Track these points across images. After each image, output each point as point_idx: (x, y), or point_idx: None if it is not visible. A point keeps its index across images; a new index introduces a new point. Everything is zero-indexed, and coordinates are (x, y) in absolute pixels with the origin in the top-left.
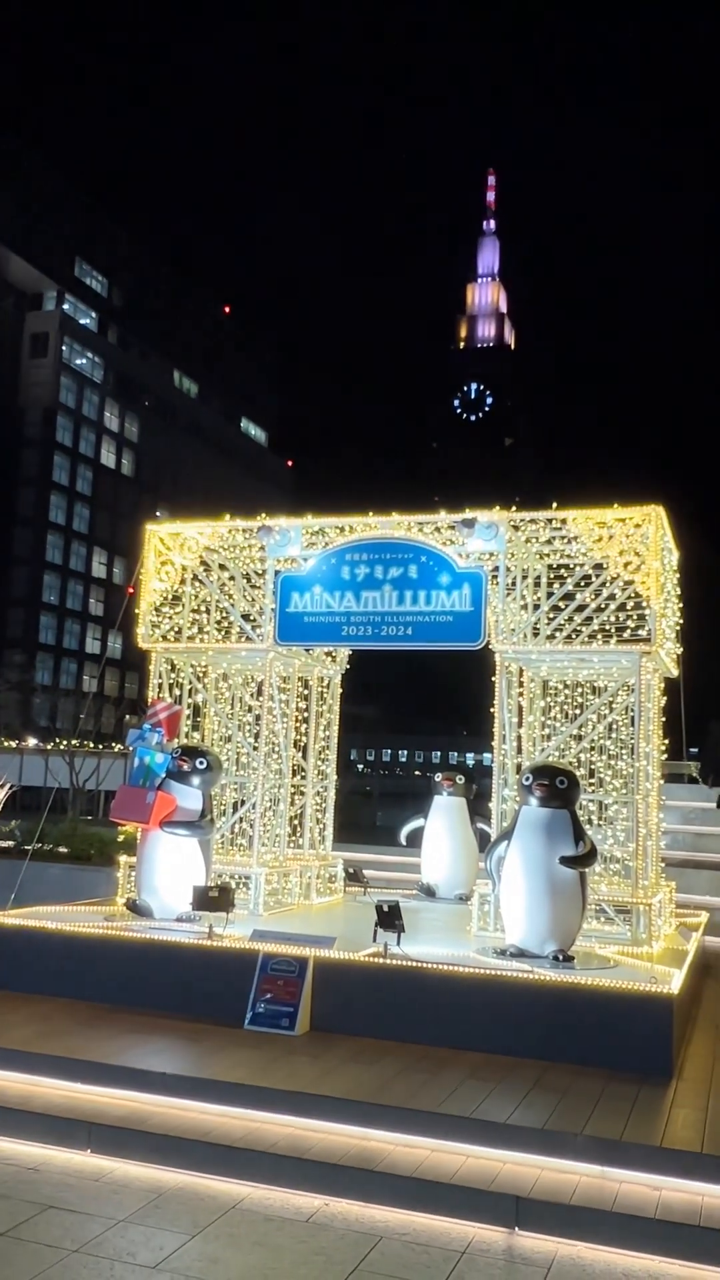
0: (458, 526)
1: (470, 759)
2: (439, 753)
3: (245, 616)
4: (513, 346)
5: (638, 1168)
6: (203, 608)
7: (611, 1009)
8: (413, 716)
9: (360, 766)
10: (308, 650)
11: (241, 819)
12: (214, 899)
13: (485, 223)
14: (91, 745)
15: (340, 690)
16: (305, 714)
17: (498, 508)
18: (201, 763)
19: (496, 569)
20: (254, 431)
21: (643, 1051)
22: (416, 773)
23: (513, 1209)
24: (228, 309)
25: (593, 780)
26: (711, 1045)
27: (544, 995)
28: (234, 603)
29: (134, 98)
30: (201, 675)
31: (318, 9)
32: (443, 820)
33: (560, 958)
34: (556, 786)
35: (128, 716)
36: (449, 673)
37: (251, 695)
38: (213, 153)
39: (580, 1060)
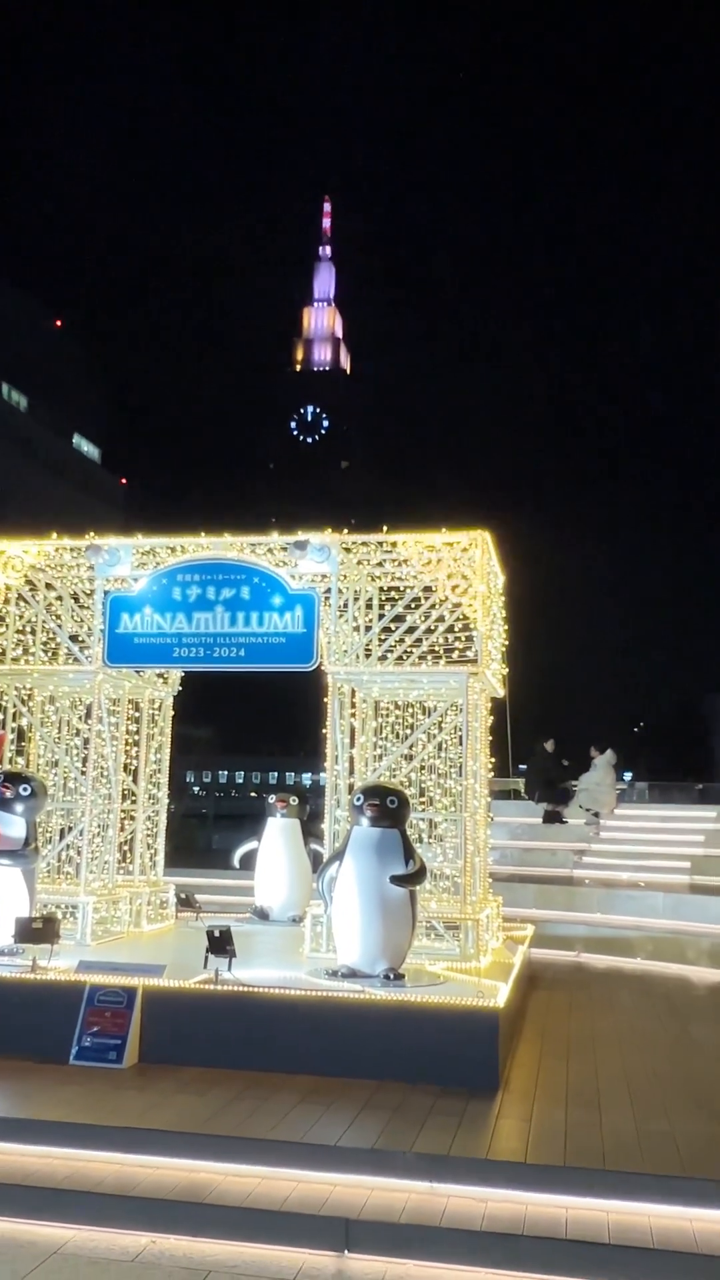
0: (290, 548)
1: (307, 779)
2: (275, 773)
3: (73, 637)
4: (348, 371)
5: (465, 1181)
6: (28, 628)
7: (440, 1025)
8: (248, 737)
9: (196, 789)
10: (138, 672)
11: (69, 846)
12: (38, 930)
13: (321, 248)
14: None
15: (173, 712)
16: (136, 737)
17: (330, 530)
18: (25, 789)
19: (329, 591)
20: (86, 448)
21: (471, 1065)
22: (253, 794)
23: (343, 1232)
24: (59, 322)
25: (423, 799)
26: (536, 1055)
27: (374, 1014)
28: (61, 623)
29: None
30: (27, 698)
31: (163, 31)
32: (276, 842)
33: (391, 976)
34: (387, 806)
35: None
36: (283, 693)
37: (80, 718)
38: (47, 162)
39: (411, 1078)
